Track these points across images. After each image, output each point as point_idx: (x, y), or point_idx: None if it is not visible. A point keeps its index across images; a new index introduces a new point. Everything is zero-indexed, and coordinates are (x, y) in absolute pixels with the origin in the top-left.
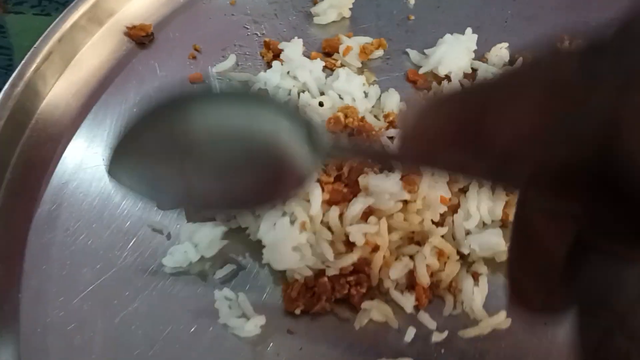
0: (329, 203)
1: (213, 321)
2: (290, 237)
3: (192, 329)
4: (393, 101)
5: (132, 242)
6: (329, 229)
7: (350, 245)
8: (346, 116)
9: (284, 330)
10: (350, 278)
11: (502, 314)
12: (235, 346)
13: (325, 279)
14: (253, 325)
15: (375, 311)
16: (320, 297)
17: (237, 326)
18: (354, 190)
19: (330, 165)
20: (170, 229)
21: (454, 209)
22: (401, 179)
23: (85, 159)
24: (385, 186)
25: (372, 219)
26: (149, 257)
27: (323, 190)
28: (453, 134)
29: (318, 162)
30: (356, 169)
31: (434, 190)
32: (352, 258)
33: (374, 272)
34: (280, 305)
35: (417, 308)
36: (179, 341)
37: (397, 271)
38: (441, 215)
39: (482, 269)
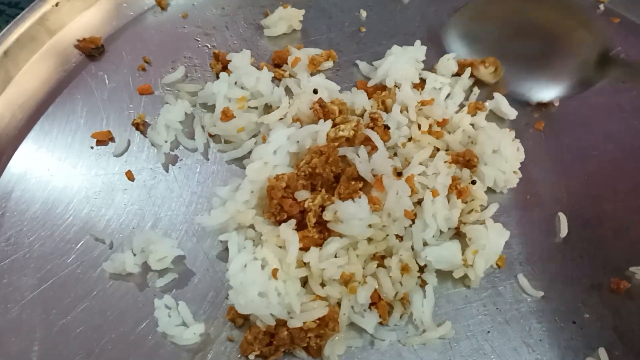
0: (301, 250)
1: (152, 329)
2: (259, 282)
3: (132, 337)
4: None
5: (74, 251)
6: (308, 271)
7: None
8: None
9: (224, 338)
10: (311, 334)
11: (448, 324)
12: (174, 354)
13: (285, 333)
14: (192, 334)
15: (338, 348)
16: (277, 349)
17: (176, 334)
18: (323, 234)
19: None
20: (112, 238)
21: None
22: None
23: (30, 169)
24: (354, 212)
25: (340, 252)
26: (91, 266)
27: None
28: None
29: None
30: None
31: (398, 205)
32: (318, 312)
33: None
34: (221, 313)
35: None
36: (118, 349)
37: (365, 294)
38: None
39: (432, 279)
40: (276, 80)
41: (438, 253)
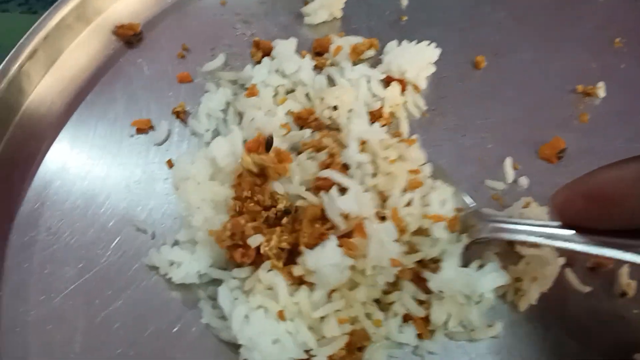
0: (293, 285)
1: (196, 321)
2: (268, 329)
3: (175, 329)
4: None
5: (116, 241)
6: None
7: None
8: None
9: None
10: None
11: (499, 326)
12: (217, 348)
13: None
14: None
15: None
16: None
17: (220, 327)
18: None
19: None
20: (154, 229)
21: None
22: (340, 245)
23: (69, 158)
24: (324, 258)
25: (335, 295)
26: (133, 256)
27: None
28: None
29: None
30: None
31: (383, 253)
32: (338, 344)
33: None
34: None
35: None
36: (161, 341)
37: (395, 324)
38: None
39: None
40: (317, 69)
41: (445, 279)
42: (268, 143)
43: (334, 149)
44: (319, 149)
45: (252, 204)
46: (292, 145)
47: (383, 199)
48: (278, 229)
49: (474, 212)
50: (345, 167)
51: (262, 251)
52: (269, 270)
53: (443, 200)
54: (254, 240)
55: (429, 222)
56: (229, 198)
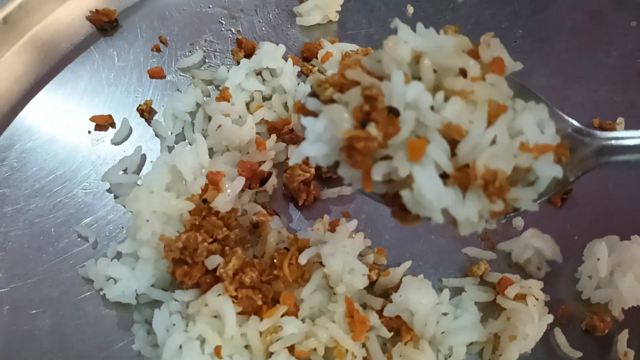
0: (241, 314)
1: (127, 346)
2: None
3: (104, 353)
4: None
5: (54, 247)
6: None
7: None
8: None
9: None
10: None
11: None
12: None
13: None
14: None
15: None
16: None
17: (152, 357)
18: (267, 295)
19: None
20: (97, 236)
21: None
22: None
23: (17, 148)
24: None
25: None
26: (70, 266)
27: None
28: None
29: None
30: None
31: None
32: None
33: None
34: None
35: None
36: None
37: None
38: None
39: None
40: (303, 75)
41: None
42: (263, 179)
43: (371, 86)
44: (343, 87)
45: (213, 218)
46: None
47: (452, 142)
48: (238, 249)
49: (575, 131)
50: (392, 114)
51: (217, 273)
52: (219, 295)
53: (540, 121)
54: (211, 262)
55: (529, 157)
56: (185, 214)
